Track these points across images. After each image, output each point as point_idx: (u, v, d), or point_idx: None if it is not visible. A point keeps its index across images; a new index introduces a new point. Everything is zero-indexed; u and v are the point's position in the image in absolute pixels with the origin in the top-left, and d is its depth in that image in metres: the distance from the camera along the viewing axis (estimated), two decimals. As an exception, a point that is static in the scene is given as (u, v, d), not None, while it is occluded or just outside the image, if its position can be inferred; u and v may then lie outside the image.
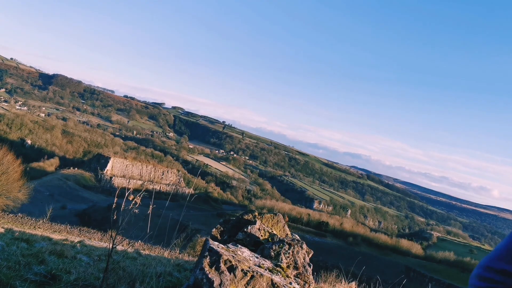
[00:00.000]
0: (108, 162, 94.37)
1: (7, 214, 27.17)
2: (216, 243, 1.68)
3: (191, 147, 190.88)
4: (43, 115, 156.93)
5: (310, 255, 1.97)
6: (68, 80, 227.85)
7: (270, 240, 2.05)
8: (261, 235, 2.05)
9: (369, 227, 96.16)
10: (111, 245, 2.40)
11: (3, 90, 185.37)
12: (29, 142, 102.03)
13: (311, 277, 1.77)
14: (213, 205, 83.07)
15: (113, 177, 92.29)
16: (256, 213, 2.11)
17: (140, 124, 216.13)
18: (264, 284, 1.46)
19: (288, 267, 1.76)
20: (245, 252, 1.76)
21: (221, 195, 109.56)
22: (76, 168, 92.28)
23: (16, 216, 27.82)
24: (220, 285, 1.37)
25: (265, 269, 1.64)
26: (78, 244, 8.09)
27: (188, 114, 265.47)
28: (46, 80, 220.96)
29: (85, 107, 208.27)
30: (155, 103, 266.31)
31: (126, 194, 2.31)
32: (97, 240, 17.23)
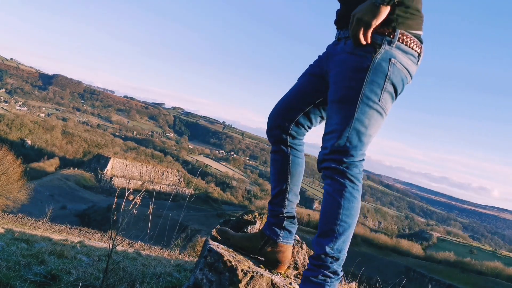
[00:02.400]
0: (108, 162, 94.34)
1: (7, 215, 27.14)
2: (216, 243, 1.68)
3: (191, 147, 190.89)
4: (43, 115, 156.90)
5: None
6: (68, 81, 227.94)
7: (270, 240, 2.05)
8: (261, 236, 2.05)
9: (369, 228, 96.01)
10: (111, 246, 2.40)
11: (3, 90, 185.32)
12: (29, 142, 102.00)
13: (311, 277, 1.76)
14: (213, 205, 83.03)
15: (113, 178, 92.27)
16: (256, 214, 2.11)
17: (140, 124, 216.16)
18: (264, 284, 1.45)
19: (288, 267, 1.76)
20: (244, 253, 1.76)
21: (221, 196, 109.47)
22: (76, 169, 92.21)
23: (16, 216, 27.78)
24: (220, 285, 1.37)
25: (265, 269, 1.64)
26: (78, 245, 8.08)
27: (188, 114, 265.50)
28: (46, 81, 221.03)
29: (85, 108, 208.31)
30: (155, 103, 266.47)
31: (126, 194, 2.31)
32: (97, 241, 17.22)
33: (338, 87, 1.42)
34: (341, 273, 1.44)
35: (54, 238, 9.71)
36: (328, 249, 1.40)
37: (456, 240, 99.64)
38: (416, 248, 69.33)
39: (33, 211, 39.84)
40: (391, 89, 1.41)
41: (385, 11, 1.32)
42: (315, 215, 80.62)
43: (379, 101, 1.39)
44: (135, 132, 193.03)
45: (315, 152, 1.53)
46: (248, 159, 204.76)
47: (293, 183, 1.65)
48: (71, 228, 28.50)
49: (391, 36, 1.38)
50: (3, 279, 2.33)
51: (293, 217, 1.68)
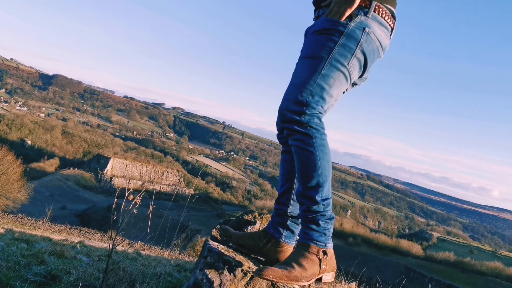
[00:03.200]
0: (108, 162, 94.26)
1: (7, 215, 27.15)
2: (216, 243, 1.68)
3: (191, 147, 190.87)
4: (43, 115, 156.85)
5: (310, 256, 1.96)
6: (68, 81, 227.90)
7: (270, 240, 2.04)
8: (261, 236, 2.04)
9: (369, 228, 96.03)
10: (111, 246, 2.40)
11: (3, 90, 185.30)
12: (29, 142, 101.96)
13: (311, 277, 1.76)
14: (213, 205, 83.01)
15: (113, 178, 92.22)
16: (256, 214, 2.11)
17: (140, 124, 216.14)
18: (264, 284, 1.45)
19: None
20: (245, 252, 1.76)
21: (221, 196, 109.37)
22: (76, 169, 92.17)
23: (16, 216, 27.80)
24: (220, 285, 1.36)
25: (265, 269, 1.63)
26: (78, 245, 8.08)
27: (188, 114, 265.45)
28: (46, 81, 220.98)
29: (85, 108, 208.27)
30: (155, 103, 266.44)
31: (126, 195, 2.31)
32: (97, 241, 17.22)
33: (310, 45, 1.51)
34: (334, 217, 1.54)
35: (54, 238, 9.72)
36: (319, 199, 1.47)
37: (456, 240, 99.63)
38: (416, 248, 69.30)
39: (33, 211, 39.84)
40: (361, 57, 1.49)
41: None
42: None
43: (347, 64, 1.47)
44: (135, 132, 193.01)
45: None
46: (248, 159, 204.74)
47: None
48: (71, 228, 28.51)
49: (367, 7, 1.48)
50: (3, 279, 2.33)
51: (297, 217, 1.68)
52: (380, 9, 1.50)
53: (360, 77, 1.59)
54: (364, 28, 1.46)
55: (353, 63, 1.47)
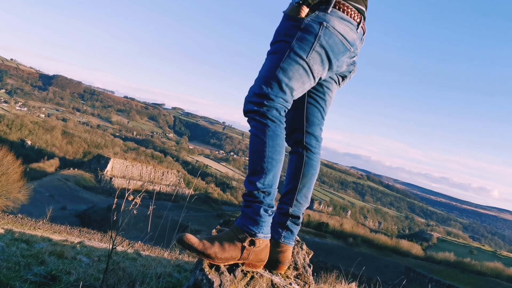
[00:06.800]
0: (108, 162, 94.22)
1: (7, 215, 27.13)
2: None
3: (191, 147, 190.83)
4: (43, 115, 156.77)
5: (310, 256, 1.97)
6: (68, 81, 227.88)
7: (270, 240, 2.03)
8: (261, 236, 2.03)
9: (369, 228, 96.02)
10: (111, 246, 2.40)
11: (3, 90, 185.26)
12: (29, 142, 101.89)
13: (311, 277, 1.77)
14: (213, 205, 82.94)
15: (113, 178, 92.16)
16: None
17: (140, 124, 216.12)
18: (264, 284, 1.45)
19: (288, 267, 1.76)
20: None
21: (221, 196, 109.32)
22: (76, 169, 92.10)
23: (16, 217, 27.77)
24: (220, 285, 1.36)
25: (265, 270, 1.63)
26: (78, 245, 8.08)
27: (188, 114, 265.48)
28: (46, 81, 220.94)
29: (85, 108, 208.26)
30: (155, 103, 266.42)
31: (126, 195, 2.31)
32: (97, 241, 17.19)
33: (272, 42, 1.58)
34: (275, 207, 1.55)
35: (54, 239, 9.71)
36: (259, 185, 1.49)
37: (456, 241, 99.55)
38: (416, 248, 69.26)
39: (33, 212, 39.80)
40: (321, 50, 1.50)
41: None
42: (315, 216, 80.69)
43: (306, 57, 1.49)
44: (135, 133, 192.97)
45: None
46: (248, 160, 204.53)
47: (303, 183, 1.70)
48: (71, 228, 28.47)
49: (326, 4, 1.52)
50: (3, 279, 2.33)
51: (298, 217, 1.70)
52: (342, 5, 1.53)
53: (330, 70, 1.59)
54: (321, 23, 1.49)
55: (313, 56, 1.50)
